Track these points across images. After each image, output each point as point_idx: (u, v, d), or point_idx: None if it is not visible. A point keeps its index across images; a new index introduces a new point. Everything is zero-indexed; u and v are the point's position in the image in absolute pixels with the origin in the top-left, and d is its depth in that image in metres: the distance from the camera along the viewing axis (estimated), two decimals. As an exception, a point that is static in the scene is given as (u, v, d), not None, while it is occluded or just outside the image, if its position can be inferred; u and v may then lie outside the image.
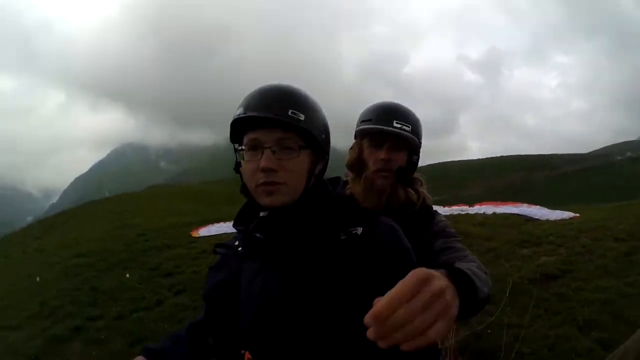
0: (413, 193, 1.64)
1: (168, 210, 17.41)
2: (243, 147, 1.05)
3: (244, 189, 1.08)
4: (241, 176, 1.08)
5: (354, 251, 0.98)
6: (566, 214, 8.84)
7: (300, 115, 1.01)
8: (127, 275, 7.92)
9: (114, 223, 15.28)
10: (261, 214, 1.06)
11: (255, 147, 1.03)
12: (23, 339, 5.29)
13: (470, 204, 13.08)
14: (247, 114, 1.01)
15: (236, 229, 1.11)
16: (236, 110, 1.05)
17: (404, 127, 1.57)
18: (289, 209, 1.03)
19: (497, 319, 4.12)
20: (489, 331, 4.05)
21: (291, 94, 1.05)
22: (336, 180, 1.19)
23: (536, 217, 9.06)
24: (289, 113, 1.00)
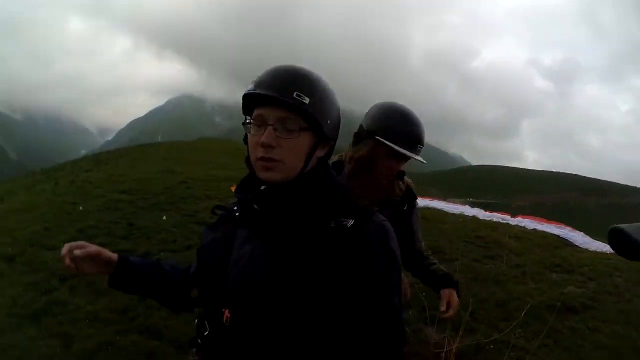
0: (404, 185, 1.90)
1: (214, 163, 17.83)
2: (251, 121, 1.11)
3: (248, 160, 1.14)
4: (249, 148, 1.13)
5: (340, 241, 1.02)
6: (607, 248, 8.40)
7: (306, 98, 1.05)
8: (164, 218, 8.22)
9: (160, 167, 15.86)
10: (262, 187, 1.12)
11: (261, 123, 1.08)
12: (57, 259, 5.65)
13: (514, 214, 12.70)
14: (256, 91, 1.06)
15: (236, 196, 1.17)
16: (250, 85, 1.10)
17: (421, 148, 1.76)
18: (285, 187, 1.08)
19: (505, 337, 4.06)
20: (492, 347, 3.99)
21: (301, 77, 1.08)
22: (339, 165, 1.22)
23: (576, 244, 8.69)
24: (294, 95, 1.04)
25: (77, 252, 1.23)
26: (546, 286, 5.57)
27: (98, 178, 13.86)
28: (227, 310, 1.07)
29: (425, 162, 1.75)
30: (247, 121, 1.11)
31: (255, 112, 1.09)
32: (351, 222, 1.04)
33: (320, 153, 1.13)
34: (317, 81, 1.10)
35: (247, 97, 1.10)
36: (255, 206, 1.10)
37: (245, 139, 1.14)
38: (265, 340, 1.01)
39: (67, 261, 1.23)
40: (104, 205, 9.20)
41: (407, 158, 1.72)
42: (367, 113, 1.79)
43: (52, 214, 8.60)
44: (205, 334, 1.13)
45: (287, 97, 1.03)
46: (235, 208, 1.19)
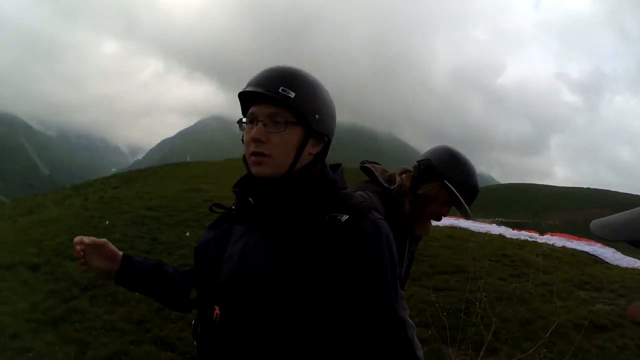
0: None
1: (241, 183, 17.98)
2: (245, 119, 1.14)
3: (245, 158, 1.15)
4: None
5: (333, 235, 1.02)
6: (639, 263, 8.07)
7: (291, 92, 1.08)
8: (187, 234, 8.34)
9: (187, 185, 16.14)
10: (258, 182, 1.13)
11: (252, 120, 1.11)
12: (80, 270, 5.76)
13: (542, 232, 12.38)
14: (245, 89, 1.12)
15: (233, 191, 1.18)
16: None
17: None
18: (276, 181, 1.09)
19: (529, 357, 3.89)
20: (516, 366, 3.83)
21: (287, 73, 1.12)
22: (337, 166, 1.22)
23: (606, 260, 8.37)
24: (280, 90, 1.07)
25: (86, 240, 1.30)
26: (574, 304, 5.35)
27: (126, 194, 14.19)
28: (217, 307, 1.07)
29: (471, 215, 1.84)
30: (242, 120, 1.15)
31: (249, 110, 1.13)
32: (345, 217, 1.04)
33: (313, 149, 1.14)
34: (304, 77, 1.12)
35: (241, 98, 1.15)
36: (251, 199, 1.12)
37: (243, 139, 1.15)
38: (253, 336, 1.00)
39: (78, 248, 1.30)
40: (130, 220, 9.42)
41: (457, 206, 1.82)
42: (436, 152, 1.83)
43: (78, 226, 8.84)
44: (198, 332, 1.13)
45: (272, 92, 1.07)
46: (233, 207, 1.20)
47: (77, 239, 1.31)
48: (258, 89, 1.09)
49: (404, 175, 1.82)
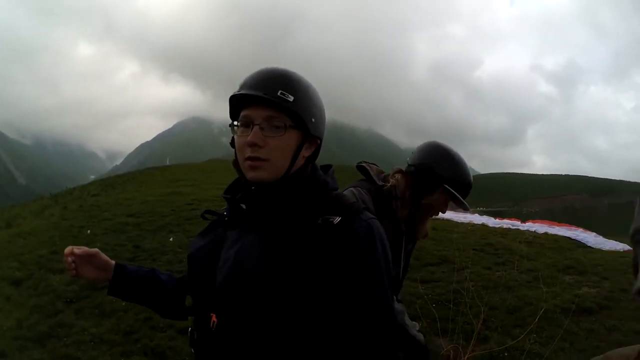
0: None
1: (221, 184, 17.89)
2: (237, 122, 1.11)
3: (236, 163, 1.13)
4: (236, 151, 1.13)
5: (326, 237, 1.01)
6: (620, 246, 8.25)
7: (289, 96, 1.06)
8: (171, 239, 8.21)
9: (167, 189, 15.95)
10: (252, 187, 1.11)
11: (247, 123, 1.09)
12: (63, 282, 5.66)
13: (524, 220, 12.57)
14: (241, 92, 1.08)
15: (224, 198, 1.17)
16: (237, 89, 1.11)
17: None
18: (273, 186, 1.08)
19: (519, 343, 3.95)
20: (506, 354, 3.89)
21: (284, 76, 1.10)
22: (328, 167, 1.21)
23: (588, 244, 8.55)
24: (278, 93, 1.05)
25: (77, 251, 1.25)
26: (559, 289, 5.46)
27: (106, 202, 13.95)
28: (213, 315, 1.06)
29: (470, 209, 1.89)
30: (234, 124, 1.12)
31: (242, 113, 1.10)
32: (337, 219, 1.03)
33: (307, 152, 1.13)
34: (300, 80, 1.11)
35: (233, 100, 1.12)
36: (243, 205, 1.11)
37: (232, 143, 1.13)
38: (251, 342, 0.99)
39: (69, 260, 1.25)
40: (111, 228, 9.25)
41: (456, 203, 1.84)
42: (432, 154, 1.82)
43: (59, 237, 8.65)
44: (195, 340, 1.12)
45: (271, 95, 1.05)
46: (225, 212, 1.19)
47: (67, 250, 1.26)
48: (256, 92, 1.06)
49: (398, 176, 1.82)
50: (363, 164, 1.87)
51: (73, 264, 1.25)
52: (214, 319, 1.06)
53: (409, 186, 1.79)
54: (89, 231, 9.01)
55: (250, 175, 1.07)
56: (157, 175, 26.03)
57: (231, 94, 1.13)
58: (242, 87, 1.09)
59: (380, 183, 1.77)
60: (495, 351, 3.96)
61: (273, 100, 1.04)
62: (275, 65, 1.15)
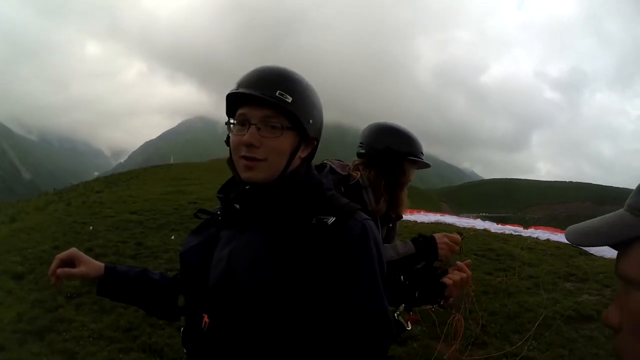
0: None
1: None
2: (233, 121, 1.09)
3: (231, 161, 1.12)
4: (230, 149, 1.12)
5: (320, 238, 1.00)
6: (624, 254, 8.19)
7: (288, 97, 1.04)
8: (172, 237, 8.25)
9: (171, 187, 15.99)
10: (247, 187, 1.10)
11: (243, 122, 1.07)
12: (64, 278, 5.67)
13: (526, 226, 12.52)
14: (238, 90, 1.05)
15: (217, 197, 1.16)
16: (233, 86, 1.09)
17: None
18: (268, 187, 1.06)
19: (518, 349, 3.94)
20: None
21: (283, 76, 1.08)
22: (322, 167, 1.20)
23: (590, 252, 8.50)
24: (277, 94, 1.03)
25: (59, 272, 1.25)
26: (560, 296, 5.42)
27: (109, 199, 14.01)
28: (205, 315, 1.06)
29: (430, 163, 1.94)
30: (230, 121, 1.10)
31: (238, 112, 1.08)
32: (332, 219, 1.02)
33: (303, 153, 1.12)
34: (299, 81, 1.09)
35: (230, 98, 1.09)
36: (237, 205, 1.09)
37: (228, 141, 1.12)
38: (244, 343, 0.98)
39: (54, 280, 1.26)
40: (113, 225, 9.29)
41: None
42: (387, 135, 1.86)
43: (61, 233, 8.71)
44: (188, 340, 1.12)
45: (270, 95, 1.03)
46: (219, 212, 1.18)
47: (51, 271, 1.26)
48: (254, 92, 1.03)
49: (361, 167, 1.83)
50: (325, 161, 1.83)
51: (60, 279, 1.26)
52: (206, 319, 1.05)
53: (379, 174, 1.81)
54: (91, 227, 9.06)
55: (245, 175, 1.06)
56: (160, 173, 26.10)
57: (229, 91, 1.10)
58: (239, 85, 1.07)
59: (344, 174, 1.77)
60: (493, 357, 3.94)
61: (270, 101, 1.03)
62: (274, 64, 1.12)
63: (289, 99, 1.04)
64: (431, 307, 1.61)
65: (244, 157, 1.05)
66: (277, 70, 1.09)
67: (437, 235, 1.79)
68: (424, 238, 1.78)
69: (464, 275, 1.57)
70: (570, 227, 0.66)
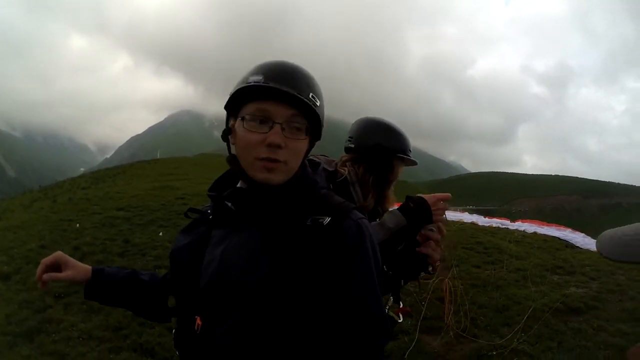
0: None
1: (212, 178, 17.79)
2: (246, 115, 1.02)
3: (233, 159, 1.07)
4: (228, 144, 1.08)
5: (315, 239, 0.98)
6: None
7: (317, 100, 1.02)
8: (160, 234, 8.20)
9: (158, 183, 15.85)
10: (239, 185, 1.08)
11: (265, 119, 1.00)
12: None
13: (513, 219, 12.65)
14: (270, 85, 0.98)
15: (209, 196, 1.12)
16: (248, 77, 1.01)
17: None
18: (276, 188, 1.03)
19: (507, 342, 3.98)
20: (494, 352, 3.91)
21: (311, 78, 1.05)
22: (316, 165, 1.19)
23: (577, 245, 8.63)
24: (310, 96, 1.01)
25: (45, 277, 1.23)
26: (548, 288, 5.49)
27: (95, 195, 13.84)
28: (198, 318, 1.03)
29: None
30: (243, 116, 1.01)
31: (253, 106, 1.01)
32: (327, 219, 1.00)
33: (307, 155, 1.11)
34: (318, 83, 1.07)
35: (244, 90, 1.01)
36: (230, 204, 1.06)
37: (224, 135, 1.08)
38: (237, 345, 0.96)
39: (40, 285, 1.24)
40: (100, 222, 9.19)
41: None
42: (376, 131, 1.83)
43: (48, 231, 8.59)
44: (180, 343, 1.10)
45: (305, 97, 0.99)
46: (209, 210, 1.14)
47: (37, 276, 1.24)
48: (290, 90, 0.98)
49: (349, 164, 1.82)
50: (310, 157, 1.86)
51: (46, 283, 1.24)
52: (198, 321, 1.03)
53: (367, 170, 1.80)
54: (78, 225, 8.96)
55: (262, 176, 1.01)
56: (147, 168, 25.83)
57: (236, 85, 1.03)
58: (267, 78, 0.98)
59: (331, 169, 1.76)
60: (483, 349, 3.99)
61: (304, 102, 0.99)
62: (273, 61, 1.05)
63: (318, 103, 1.02)
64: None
65: (266, 159, 0.99)
66: (305, 71, 1.05)
67: (427, 197, 1.61)
68: (415, 202, 1.59)
69: (438, 236, 1.56)
70: (603, 238, 0.62)
